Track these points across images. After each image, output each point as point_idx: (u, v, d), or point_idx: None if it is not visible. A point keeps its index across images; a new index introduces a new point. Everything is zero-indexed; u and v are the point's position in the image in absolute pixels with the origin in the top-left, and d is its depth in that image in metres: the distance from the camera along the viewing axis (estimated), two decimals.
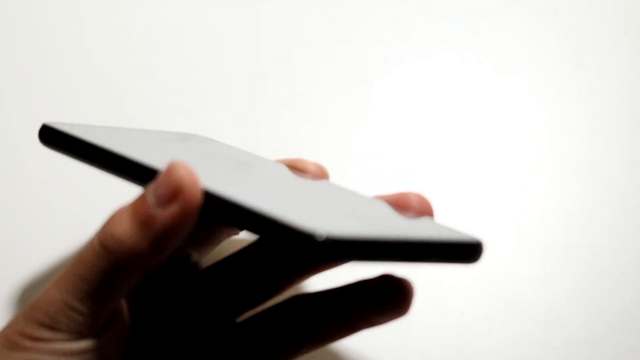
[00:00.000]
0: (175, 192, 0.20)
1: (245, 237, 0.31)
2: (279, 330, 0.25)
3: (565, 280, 0.34)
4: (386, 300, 0.24)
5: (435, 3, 0.41)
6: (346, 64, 0.39)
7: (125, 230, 0.21)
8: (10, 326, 0.22)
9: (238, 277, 0.27)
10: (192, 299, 0.27)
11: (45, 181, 0.35)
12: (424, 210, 0.25)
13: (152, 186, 0.21)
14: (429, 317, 0.33)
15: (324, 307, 0.25)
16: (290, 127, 0.38)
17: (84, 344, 0.21)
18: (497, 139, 0.38)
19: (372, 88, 0.39)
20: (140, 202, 0.21)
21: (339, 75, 0.39)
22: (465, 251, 0.21)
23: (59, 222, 0.35)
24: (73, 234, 0.33)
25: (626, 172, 0.37)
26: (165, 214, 0.20)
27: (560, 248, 0.35)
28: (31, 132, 0.36)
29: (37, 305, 0.21)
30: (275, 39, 0.40)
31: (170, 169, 0.20)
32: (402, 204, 0.25)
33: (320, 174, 0.29)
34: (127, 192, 0.24)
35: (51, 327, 0.21)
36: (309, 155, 0.32)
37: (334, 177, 0.30)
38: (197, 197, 0.20)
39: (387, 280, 0.24)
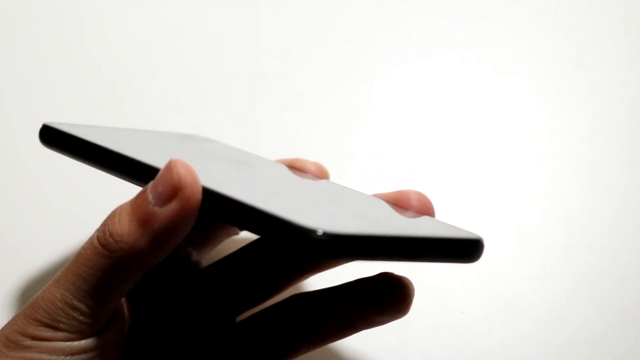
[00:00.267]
0: (174, 190, 0.20)
1: (245, 236, 0.31)
2: (279, 330, 0.25)
3: (565, 280, 0.34)
4: (386, 300, 0.24)
5: (435, 3, 0.41)
6: (346, 64, 0.39)
7: (125, 228, 0.21)
8: (10, 325, 0.22)
9: (238, 276, 0.27)
10: (192, 298, 0.27)
11: (45, 181, 0.35)
12: (423, 208, 0.25)
13: (151, 184, 0.21)
14: (429, 316, 0.33)
15: (324, 306, 0.25)
16: (290, 127, 0.38)
17: (84, 343, 0.21)
18: (497, 139, 0.38)
19: (372, 88, 0.39)
20: (139, 200, 0.21)
21: (339, 75, 0.39)
22: (465, 249, 0.20)
23: (59, 221, 0.35)
24: (73, 234, 0.33)
25: (626, 172, 0.37)
26: (164, 212, 0.20)
27: (560, 248, 0.35)
28: (31, 132, 0.36)
29: (37, 304, 0.21)
30: (275, 39, 0.40)
31: (170, 166, 0.20)
32: (401, 202, 0.25)
33: (320, 174, 0.29)
34: (127, 191, 0.24)
35: (51, 326, 0.21)
36: (309, 155, 0.32)
37: (334, 177, 0.30)
38: (197, 195, 0.20)
39: (386, 279, 0.24)
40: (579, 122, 0.38)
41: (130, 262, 0.21)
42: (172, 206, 0.20)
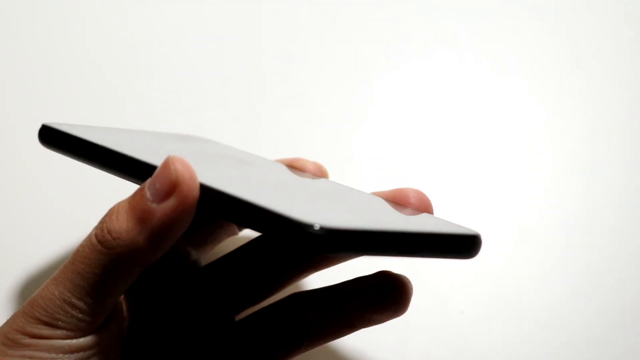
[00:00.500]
0: (172, 187, 0.20)
1: (244, 236, 0.31)
2: (278, 328, 0.25)
3: (565, 280, 0.34)
4: (384, 298, 0.24)
5: (435, 3, 0.41)
6: (346, 64, 0.39)
7: (123, 225, 0.21)
8: (9, 323, 0.22)
9: (237, 275, 0.27)
10: (191, 296, 0.27)
11: (45, 181, 0.35)
12: (422, 206, 0.25)
13: (149, 181, 0.21)
14: (429, 316, 0.33)
15: (322, 305, 0.25)
16: (290, 127, 0.38)
17: (83, 341, 0.21)
18: (497, 139, 0.38)
19: (372, 88, 0.39)
20: (137, 197, 0.21)
21: (339, 75, 0.39)
22: (462, 244, 0.20)
23: (59, 221, 0.35)
24: (72, 233, 0.33)
25: (626, 172, 0.37)
26: (162, 208, 0.20)
27: (560, 248, 0.35)
28: (31, 132, 0.36)
29: (35, 302, 0.21)
30: (275, 39, 0.40)
31: (167, 163, 0.20)
32: (400, 200, 0.25)
33: (319, 173, 0.29)
34: (126, 191, 0.24)
35: (50, 324, 0.21)
36: (309, 155, 0.32)
37: (334, 177, 0.30)
38: (195, 191, 0.20)
39: (385, 278, 0.24)
40: (579, 122, 0.38)
41: (129, 259, 0.21)
42: (170, 203, 0.20)
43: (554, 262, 0.35)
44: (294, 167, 0.29)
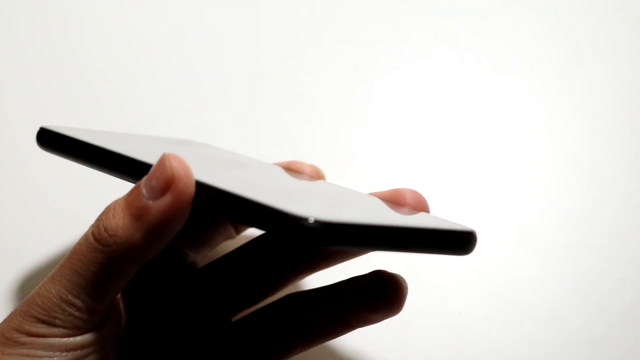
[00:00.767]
0: (168, 183, 0.20)
1: (242, 236, 0.31)
2: (274, 329, 0.25)
3: (565, 280, 0.34)
4: (379, 298, 0.24)
5: (435, 3, 0.41)
6: (346, 64, 0.39)
7: (119, 223, 0.21)
8: (6, 322, 0.22)
9: (234, 277, 0.27)
10: (189, 297, 0.27)
11: (45, 181, 0.35)
12: (418, 205, 0.25)
13: (145, 178, 0.21)
14: (429, 316, 0.33)
15: (318, 305, 0.25)
16: (290, 127, 0.38)
17: (80, 339, 0.21)
18: (497, 139, 0.38)
19: (372, 88, 0.39)
20: (133, 194, 0.21)
21: (339, 75, 0.39)
22: (457, 240, 0.20)
23: (58, 221, 0.35)
24: (72, 233, 0.33)
25: (626, 172, 0.37)
26: (158, 205, 0.20)
27: (560, 248, 0.35)
28: (31, 133, 0.36)
29: (33, 301, 0.21)
30: (275, 39, 0.40)
31: (163, 160, 0.20)
32: (396, 200, 0.25)
33: (316, 175, 0.29)
34: (124, 191, 0.24)
35: (47, 323, 0.21)
36: (309, 155, 0.32)
37: (334, 177, 0.30)
38: (190, 188, 0.20)
39: (380, 277, 0.24)
40: (579, 122, 0.38)
41: (125, 256, 0.21)
42: (166, 199, 0.20)
43: (554, 262, 0.35)
44: (291, 169, 0.29)
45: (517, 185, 0.36)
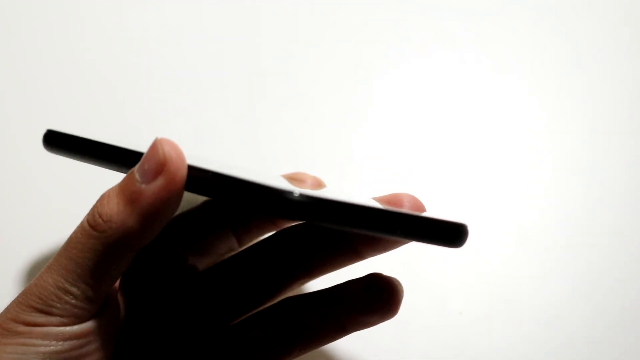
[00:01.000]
0: (160, 166, 0.20)
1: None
2: (271, 332, 0.25)
3: (565, 280, 0.34)
4: (374, 301, 0.24)
5: (435, 3, 0.41)
6: (346, 64, 0.39)
7: (114, 208, 0.21)
8: (4, 313, 0.22)
9: (233, 282, 0.27)
10: (188, 301, 0.27)
11: (45, 181, 0.35)
12: (416, 210, 0.25)
13: (138, 164, 0.21)
14: (429, 317, 0.33)
15: (315, 308, 0.25)
16: (290, 127, 0.38)
17: (77, 328, 0.21)
18: (497, 139, 0.38)
19: (372, 88, 0.39)
20: (127, 180, 0.21)
21: (339, 75, 0.39)
22: (446, 231, 0.20)
23: (59, 221, 0.35)
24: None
25: (626, 172, 0.37)
26: (151, 188, 0.20)
27: (560, 248, 0.35)
28: (31, 133, 0.36)
29: (29, 291, 0.21)
30: (275, 39, 0.40)
31: (155, 144, 0.20)
32: (394, 204, 0.25)
33: (317, 185, 0.29)
34: None
35: (44, 312, 0.21)
36: (309, 155, 0.32)
37: (334, 177, 0.30)
38: (182, 170, 0.20)
39: (375, 280, 0.24)
40: (579, 122, 0.38)
41: (120, 241, 0.21)
42: (158, 182, 0.20)
43: (554, 262, 0.35)
44: (294, 179, 0.29)
45: (517, 185, 0.36)
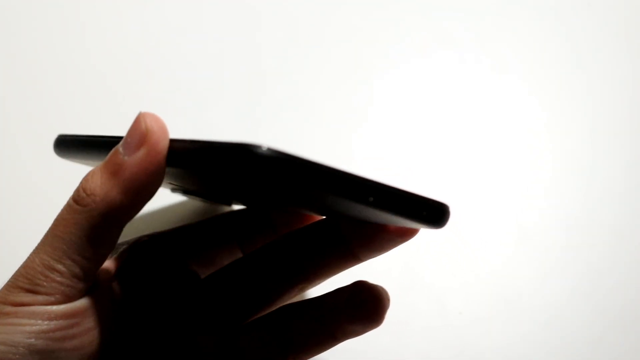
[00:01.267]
0: (142, 138, 0.20)
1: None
2: (262, 341, 0.25)
3: (565, 280, 0.34)
4: (359, 310, 0.24)
5: (435, 3, 0.41)
6: (346, 64, 0.39)
7: (97, 181, 0.21)
8: None
9: (230, 289, 0.27)
10: (184, 307, 0.27)
11: (45, 181, 0.35)
12: None
13: (122, 139, 0.21)
14: (429, 317, 0.33)
15: (305, 316, 0.25)
16: (290, 127, 0.38)
17: (64, 308, 0.21)
18: (497, 139, 0.38)
19: (372, 88, 0.39)
20: (111, 155, 0.21)
21: (339, 75, 0.39)
22: (427, 209, 0.20)
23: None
24: None
25: (626, 172, 0.37)
26: (133, 159, 0.20)
27: (560, 248, 0.35)
28: (31, 133, 0.36)
29: (18, 273, 0.21)
30: (275, 40, 0.40)
31: (139, 118, 0.20)
32: None
33: None
34: None
35: (31, 291, 0.21)
36: (308, 155, 0.32)
37: None
38: (164, 141, 0.20)
39: (360, 289, 0.24)
40: (579, 122, 0.38)
41: (104, 215, 0.21)
42: (140, 153, 0.20)
43: (554, 262, 0.35)
44: None
45: (517, 185, 0.36)
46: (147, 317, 0.26)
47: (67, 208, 0.21)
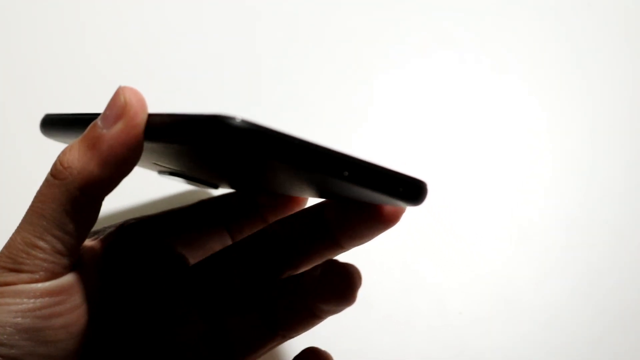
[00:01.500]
0: (120, 111, 0.20)
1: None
2: (252, 320, 0.25)
3: (565, 280, 0.34)
4: (329, 287, 0.24)
5: (435, 3, 0.41)
6: (346, 64, 0.39)
7: (75, 155, 0.21)
8: None
9: (217, 276, 0.27)
10: (173, 289, 0.26)
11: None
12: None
13: (101, 113, 0.21)
14: (429, 317, 0.33)
15: (287, 294, 0.25)
16: (290, 127, 0.37)
17: (49, 285, 0.21)
18: (497, 139, 0.38)
19: (372, 88, 0.39)
20: (89, 129, 0.21)
21: (339, 75, 0.39)
22: (402, 184, 0.19)
23: None
24: None
25: (626, 172, 0.37)
26: (111, 132, 0.20)
27: (560, 248, 0.35)
28: (31, 135, 0.36)
29: (1, 253, 0.21)
30: (275, 40, 0.40)
31: (118, 91, 0.21)
32: None
33: None
34: (122, 188, 0.24)
35: (15, 270, 0.21)
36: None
37: None
38: (142, 114, 0.20)
39: (330, 266, 0.24)
40: (579, 122, 0.38)
41: (82, 188, 0.20)
42: (118, 126, 0.20)
43: (554, 262, 0.35)
44: None
45: (517, 185, 0.36)
46: (133, 299, 0.26)
47: (45, 183, 0.21)
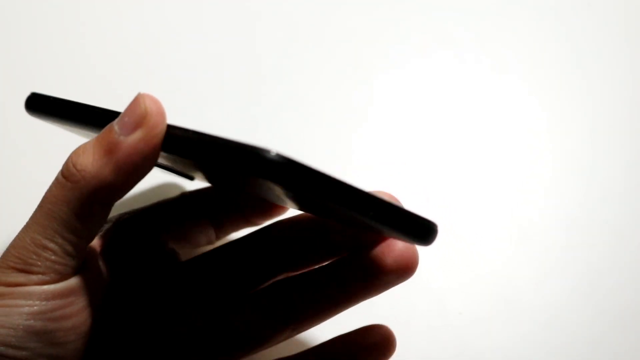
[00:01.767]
0: (140, 119, 0.20)
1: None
2: (263, 311, 0.25)
3: (565, 280, 0.34)
4: (362, 272, 0.24)
5: (435, 3, 0.41)
6: (346, 64, 0.39)
7: (89, 158, 0.20)
8: None
9: (215, 275, 0.27)
10: (169, 286, 0.26)
11: (45, 180, 0.35)
12: None
13: (118, 117, 0.21)
14: (429, 317, 0.33)
15: (307, 286, 0.25)
16: (290, 127, 0.38)
17: (59, 287, 0.21)
18: (497, 138, 0.38)
19: (372, 88, 0.39)
20: (105, 132, 0.21)
21: (339, 75, 0.39)
22: (416, 225, 0.20)
23: None
24: None
25: (626, 172, 0.37)
26: (129, 140, 0.20)
27: (560, 248, 0.35)
28: (30, 135, 0.36)
29: (8, 252, 0.21)
30: (275, 40, 0.40)
31: (137, 98, 0.21)
32: None
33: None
34: None
35: (24, 271, 0.21)
36: (308, 155, 0.32)
37: None
38: (162, 125, 0.20)
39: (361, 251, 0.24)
40: (579, 122, 0.38)
41: (95, 192, 0.20)
42: (137, 135, 0.20)
43: (554, 262, 0.35)
44: None
45: (517, 185, 0.36)
46: (132, 296, 0.26)
47: (56, 184, 0.21)
